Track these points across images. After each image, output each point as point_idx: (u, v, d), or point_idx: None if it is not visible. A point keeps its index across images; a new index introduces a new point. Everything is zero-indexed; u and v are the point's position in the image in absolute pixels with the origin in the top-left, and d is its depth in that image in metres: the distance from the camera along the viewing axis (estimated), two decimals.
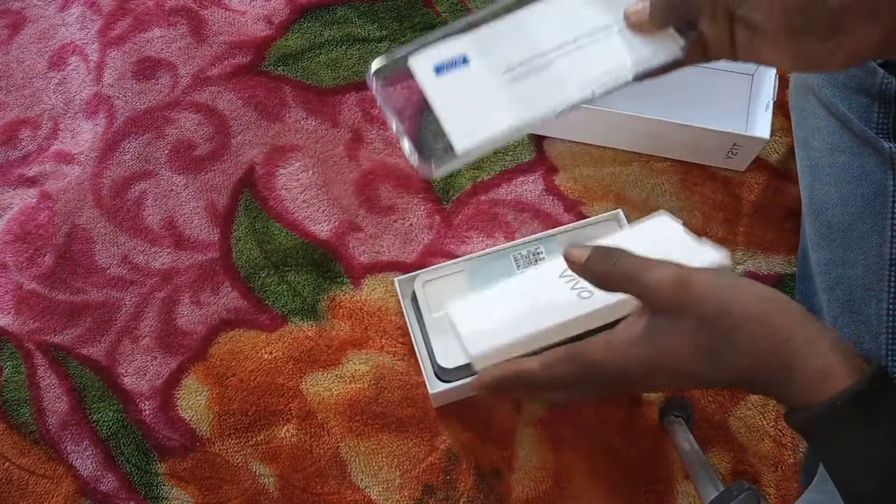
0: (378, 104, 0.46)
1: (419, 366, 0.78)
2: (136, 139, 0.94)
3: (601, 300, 0.60)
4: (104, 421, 0.83)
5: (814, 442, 0.40)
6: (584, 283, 0.54)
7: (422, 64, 0.45)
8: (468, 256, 0.82)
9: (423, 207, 0.91)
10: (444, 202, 0.92)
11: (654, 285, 0.41)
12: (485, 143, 0.44)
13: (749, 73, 0.94)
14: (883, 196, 0.65)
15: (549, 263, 0.56)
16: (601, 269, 0.44)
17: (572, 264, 0.46)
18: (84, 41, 1.00)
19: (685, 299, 0.40)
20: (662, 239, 0.55)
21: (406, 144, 0.44)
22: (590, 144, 0.93)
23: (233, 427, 0.82)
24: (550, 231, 0.83)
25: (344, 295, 0.87)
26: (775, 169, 0.92)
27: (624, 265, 0.43)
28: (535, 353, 0.46)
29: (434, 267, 0.81)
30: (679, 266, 0.42)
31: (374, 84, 0.45)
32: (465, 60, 0.45)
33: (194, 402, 0.83)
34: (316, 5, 1.00)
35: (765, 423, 0.82)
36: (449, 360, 0.75)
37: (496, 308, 0.67)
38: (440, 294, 0.79)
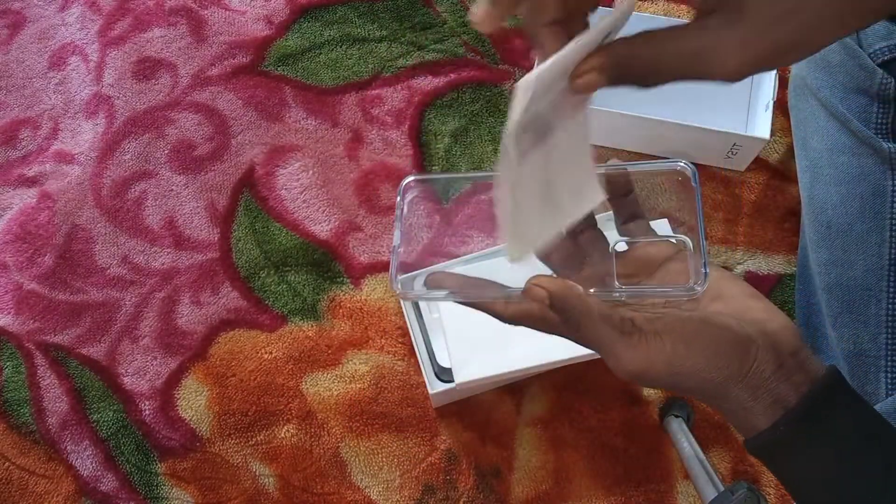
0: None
1: (419, 366, 0.78)
2: (136, 139, 0.94)
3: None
4: (104, 421, 0.83)
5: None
6: None
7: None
8: (468, 256, 0.82)
9: (422, 207, 0.91)
10: (445, 202, 0.92)
11: (615, 368, 0.38)
12: None
13: None
14: (882, 196, 0.65)
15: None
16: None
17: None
18: (84, 41, 1.00)
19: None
20: None
21: (397, 237, 0.42)
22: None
23: (233, 427, 0.82)
24: None
25: (344, 295, 0.87)
26: (775, 169, 0.92)
27: (588, 332, 0.37)
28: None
29: (434, 267, 0.81)
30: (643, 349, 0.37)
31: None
32: None
33: (194, 402, 0.83)
34: (316, 5, 1.00)
35: None
36: (449, 361, 0.75)
37: (486, 332, 0.73)
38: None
